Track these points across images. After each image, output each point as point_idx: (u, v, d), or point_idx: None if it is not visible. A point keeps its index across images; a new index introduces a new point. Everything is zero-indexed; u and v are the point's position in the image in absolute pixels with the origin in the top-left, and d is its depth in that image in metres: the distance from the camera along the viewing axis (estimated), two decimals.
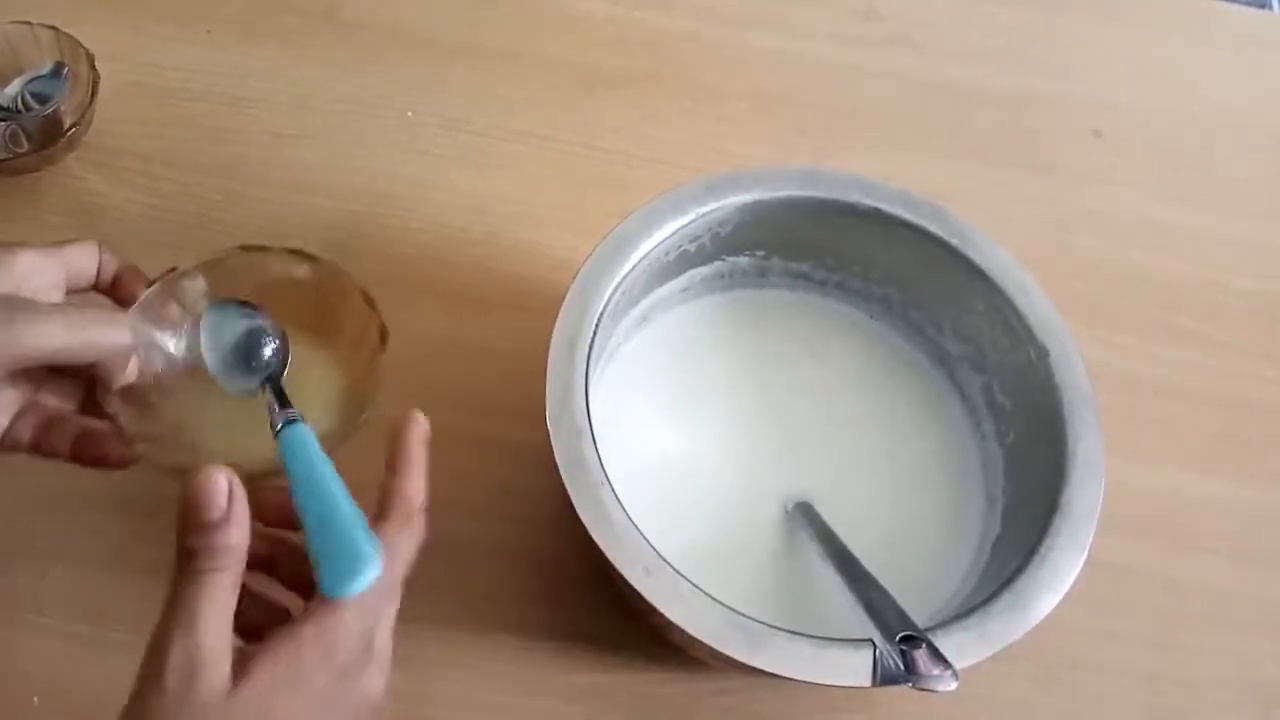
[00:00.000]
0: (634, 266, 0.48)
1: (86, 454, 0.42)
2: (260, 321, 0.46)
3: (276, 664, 0.31)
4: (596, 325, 0.46)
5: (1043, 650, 0.51)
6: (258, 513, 0.34)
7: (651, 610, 0.40)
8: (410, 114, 0.65)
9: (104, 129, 0.62)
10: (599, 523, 0.41)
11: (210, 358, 0.45)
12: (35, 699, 0.47)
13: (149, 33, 0.66)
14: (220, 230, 0.60)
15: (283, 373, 0.45)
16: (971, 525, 0.50)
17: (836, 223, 0.51)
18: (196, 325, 0.45)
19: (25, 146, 0.61)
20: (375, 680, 0.34)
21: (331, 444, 0.39)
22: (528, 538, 0.53)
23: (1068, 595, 0.42)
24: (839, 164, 0.54)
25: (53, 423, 0.42)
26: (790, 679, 0.40)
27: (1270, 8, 1.41)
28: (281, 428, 0.38)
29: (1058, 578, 0.42)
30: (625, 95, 0.68)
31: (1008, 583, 0.42)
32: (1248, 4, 0.84)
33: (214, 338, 0.45)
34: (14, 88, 0.61)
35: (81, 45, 0.60)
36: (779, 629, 0.40)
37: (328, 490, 0.35)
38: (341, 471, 0.36)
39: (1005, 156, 0.69)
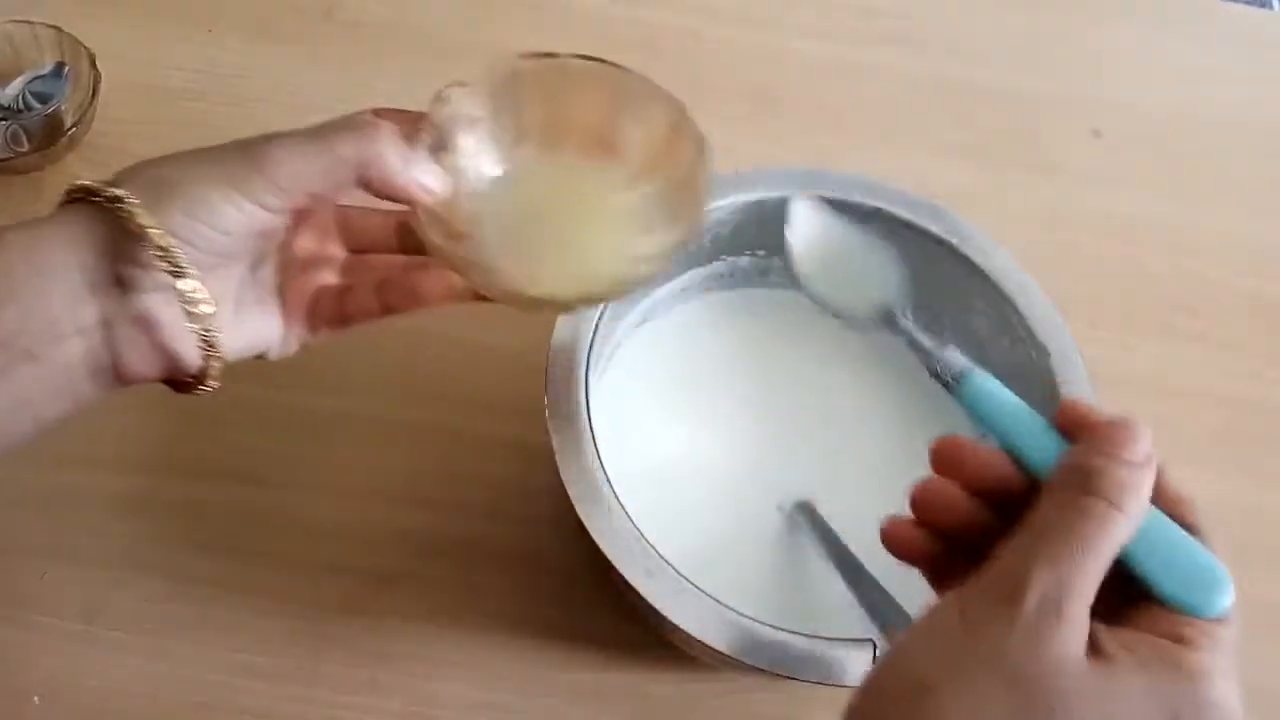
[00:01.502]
0: None
1: (397, 297, 0.37)
2: (879, 241, 0.38)
3: (1146, 667, 0.25)
4: (596, 325, 0.46)
5: None
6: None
7: (652, 611, 0.40)
8: None
9: (105, 128, 0.62)
10: (599, 523, 0.41)
11: (808, 269, 0.38)
12: (36, 698, 0.47)
13: (150, 32, 0.66)
14: None
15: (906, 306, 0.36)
16: None
17: None
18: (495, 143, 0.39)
19: (26, 146, 0.61)
20: None
21: (639, 277, 0.37)
22: (528, 538, 0.53)
23: None
24: (839, 163, 0.54)
25: (353, 288, 0.38)
26: (790, 679, 0.40)
27: (1270, 7, 1.41)
28: (962, 381, 0.31)
29: None
30: None
31: None
32: (1248, 3, 0.84)
33: (811, 245, 0.37)
34: (15, 87, 0.61)
35: (83, 45, 0.60)
36: (779, 629, 0.40)
37: None
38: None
39: (1005, 156, 0.69)
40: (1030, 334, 0.48)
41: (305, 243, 0.38)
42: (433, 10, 0.70)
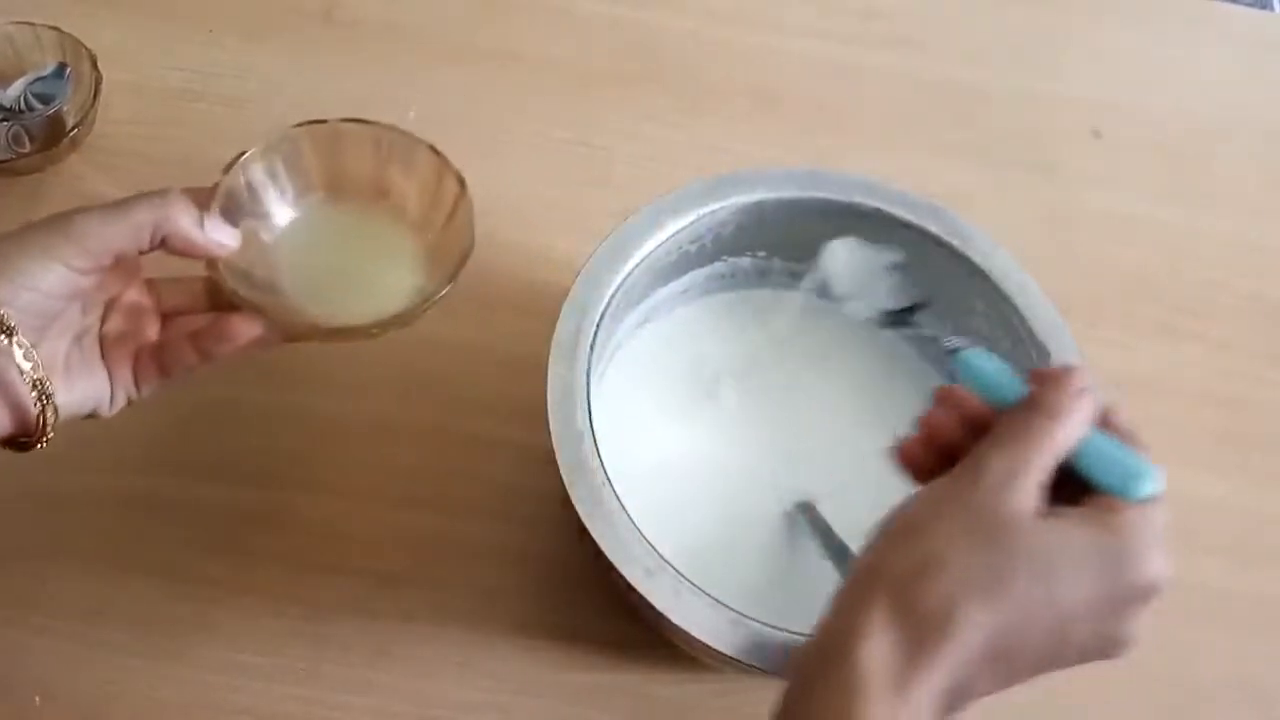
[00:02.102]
0: (635, 267, 0.48)
1: (209, 342, 0.41)
2: (897, 257, 0.47)
3: (1083, 523, 0.33)
4: (597, 326, 0.46)
5: None
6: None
7: (652, 610, 0.40)
8: (411, 114, 0.65)
9: (106, 129, 0.62)
10: (600, 523, 0.41)
11: (840, 281, 0.48)
12: (37, 698, 0.47)
13: (151, 33, 0.66)
14: None
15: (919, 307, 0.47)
16: None
17: (837, 223, 0.51)
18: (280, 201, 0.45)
19: (28, 147, 0.61)
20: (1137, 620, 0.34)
21: (429, 299, 0.42)
22: (528, 538, 0.53)
23: None
24: (839, 163, 0.54)
25: (168, 342, 0.42)
26: None
27: (1270, 8, 1.41)
28: (959, 355, 0.40)
29: None
30: (625, 95, 0.68)
31: None
32: (1248, 4, 0.84)
33: (839, 264, 0.48)
34: (17, 88, 0.61)
35: (84, 46, 0.60)
36: (779, 629, 0.40)
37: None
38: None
39: (1005, 156, 0.69)
40: (1030, 334, 0.48)
41: (125, 306, 0.42)
42: (432, 11, 0.70)
